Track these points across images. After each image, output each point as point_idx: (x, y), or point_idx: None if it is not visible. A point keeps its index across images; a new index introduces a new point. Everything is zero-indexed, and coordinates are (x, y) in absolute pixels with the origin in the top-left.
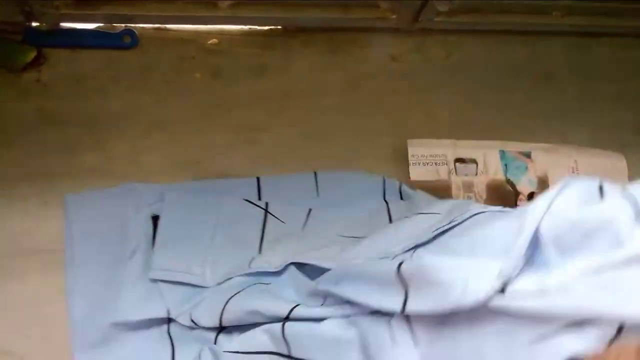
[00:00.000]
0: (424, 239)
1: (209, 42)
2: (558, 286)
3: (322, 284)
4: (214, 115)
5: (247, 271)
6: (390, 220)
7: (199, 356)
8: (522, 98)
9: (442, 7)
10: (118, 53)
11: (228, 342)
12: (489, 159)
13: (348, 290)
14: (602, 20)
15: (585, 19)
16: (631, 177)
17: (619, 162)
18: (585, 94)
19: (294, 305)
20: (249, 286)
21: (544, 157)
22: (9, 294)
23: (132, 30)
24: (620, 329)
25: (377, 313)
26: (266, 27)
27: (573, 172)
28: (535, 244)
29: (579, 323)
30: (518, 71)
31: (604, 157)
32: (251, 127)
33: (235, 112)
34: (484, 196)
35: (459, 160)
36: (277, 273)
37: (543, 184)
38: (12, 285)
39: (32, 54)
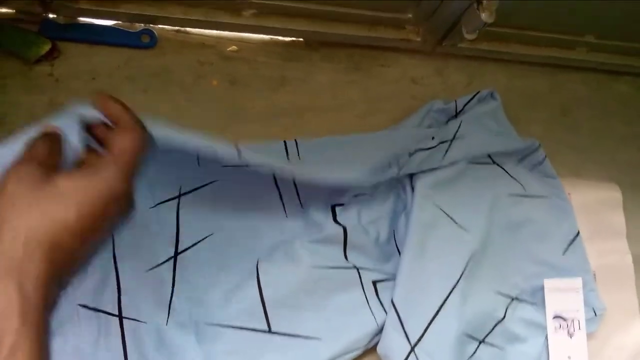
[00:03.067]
0: None
1: (228, 49)
2: None
3: None
4: (228, 125)
5: None
6: None
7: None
8: (538, 130)
9: (470, 36)
10: (135, 52)
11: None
12: None
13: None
14: (626, 59)
15: (608, 56)
16: (626, 209)
17: (614, 193)
18: (601, 132)
19: None
20: None
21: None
22: None
23: (151, 31)
24: None
25: None
26: (288, 39)
27: None
28: None
29: None
30: (536, 103)
31: (598, 189)
32: (265, 140)
33: (250, 123)
34: None
35: None
36: None
37: None
38: None
39: (47, 47)
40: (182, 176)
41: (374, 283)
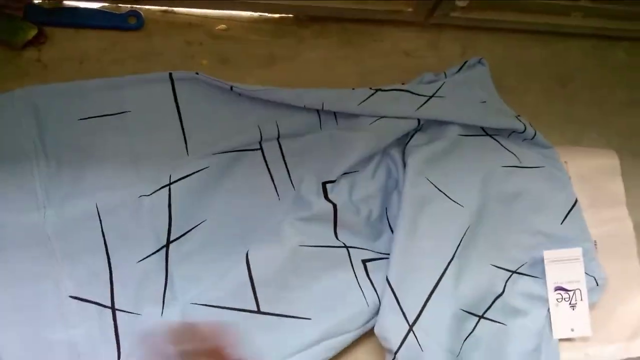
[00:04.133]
0: None
1: (217, 28)
2: None
3: None
4: None
5: None
6: None
7: None
8: (535, 100)
9: (462, 3)
10: (122, 35)
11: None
12: None
13: None
14: (623, 24)
15: (605, 21)
16: (627, 177)
17: (611, 160)
18: (600, 100)
19: None
20: None
21: None
22: None
23: (138, 12)
24: None
25: None
26: (277, 15)
27: None
28: None
29: None
30: (533, 72)
31: (595, 156)
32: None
33: None
34: None
35: None
36: None
37: None
38: None
39: (33, 32)
40: (172, 164)
41: (364, 262)
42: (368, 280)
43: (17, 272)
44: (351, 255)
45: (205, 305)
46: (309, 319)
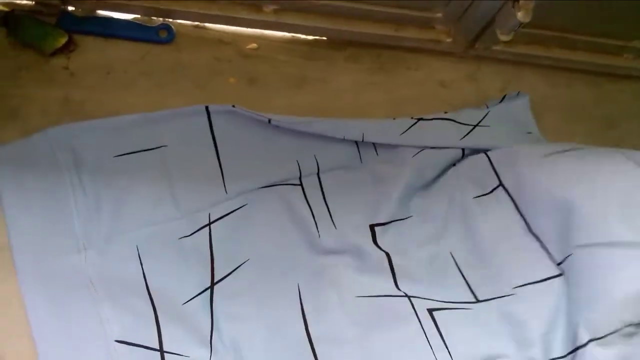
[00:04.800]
0: None
1: (247, 47)
2: None
3: None
4: None
5: None
6: None
7: None
8: (580, 142)
9: (505, 37)
10: (152, 47)
11: None
12: None
13: None
14: None
15: None
16: None
17: None
18: None
19: None
20: None
21: None
22: None
23: (169, 26)
24: None
25: None
26: (310, 37)
27: None
28: None
29: None
30: (578, 113)
31: None
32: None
33: None
34: None
35: None
36: None
37: None
38: None
39: (63, 40)
40: (210, 203)
41: (430, 312)
42: (437, 332)
43: (65, 314)
44: (414, 305)
45: None
46: None
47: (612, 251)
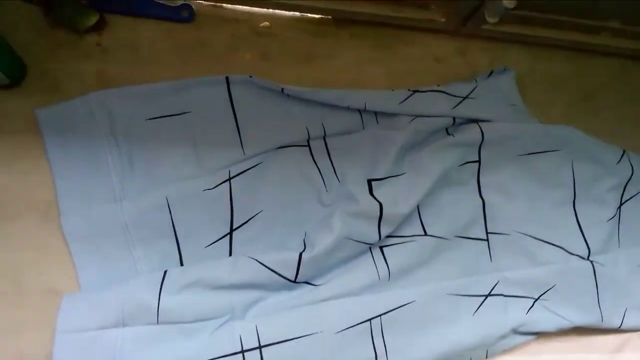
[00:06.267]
0: None
1: (261, 25)
2: None
3: None
4: None
5: None
6: None
7: None
8: (559, 113)
9: (492, 19)
10: (175, 26)
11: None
12: None
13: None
14: None
15: (633, 42)
16: None
17: None
18: (622, 118)
19: None
20: None
21: None
22: None
23: (190, 5)
24: None
25: None
26: (317, 16)
27: None
28: None
29: None
30: (558, 86)
31: None
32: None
33: None
34: None
35: None
36: None
37: None
38: None
39: (95, 18)
40: (230, 162)
41: (381, 248)
42: (382, 256)
43: (103, 252)
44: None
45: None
46: (324, 284)
47: None
